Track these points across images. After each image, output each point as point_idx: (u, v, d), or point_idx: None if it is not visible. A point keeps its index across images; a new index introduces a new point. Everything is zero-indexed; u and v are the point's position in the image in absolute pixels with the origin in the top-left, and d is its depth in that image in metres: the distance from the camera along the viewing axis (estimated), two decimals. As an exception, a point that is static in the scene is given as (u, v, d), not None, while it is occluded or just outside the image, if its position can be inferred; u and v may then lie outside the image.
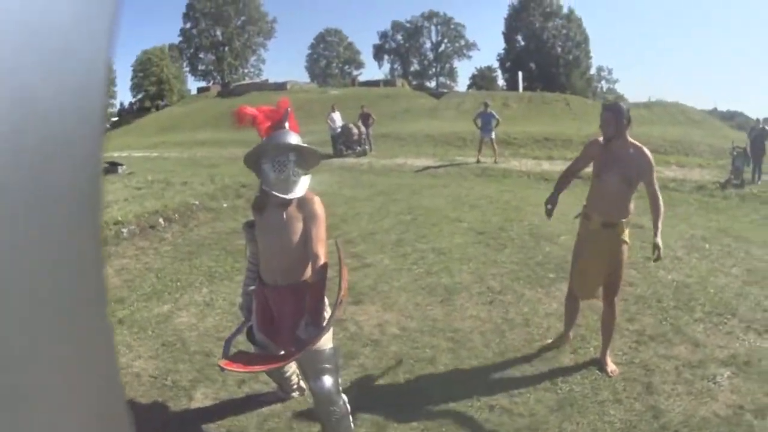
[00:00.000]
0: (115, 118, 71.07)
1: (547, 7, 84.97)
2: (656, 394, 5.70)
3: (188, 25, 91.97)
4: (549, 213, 6.87)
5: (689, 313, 7.54)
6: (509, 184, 18.35)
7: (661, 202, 6.07)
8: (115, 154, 30.11)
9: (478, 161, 22.83)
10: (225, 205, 14.57)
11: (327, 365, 4.58)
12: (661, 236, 5.94)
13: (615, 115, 6.20)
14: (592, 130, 28.80)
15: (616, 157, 6.14)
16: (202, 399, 5.92)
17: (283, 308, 4.64)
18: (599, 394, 5.77)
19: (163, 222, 12.53)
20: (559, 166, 19.96)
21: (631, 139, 6.23)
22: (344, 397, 4.78)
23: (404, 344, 6.98)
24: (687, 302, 7.87)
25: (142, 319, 7.87)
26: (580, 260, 6.50)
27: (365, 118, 27.04)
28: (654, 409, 5.47)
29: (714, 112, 56.23)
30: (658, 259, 6.04)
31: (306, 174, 4.56)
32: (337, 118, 26.65)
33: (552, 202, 6.83)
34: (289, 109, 4.69)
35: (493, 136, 22.71)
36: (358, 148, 26.26)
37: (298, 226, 4.48)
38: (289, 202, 4.48)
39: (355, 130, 26.25)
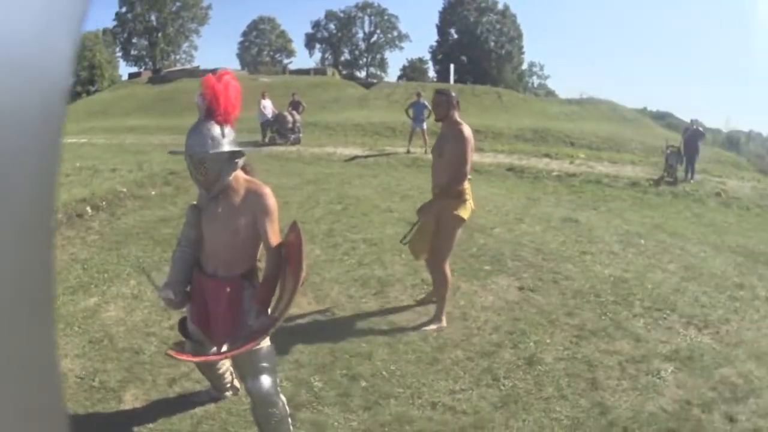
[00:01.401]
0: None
1: (483, 2, 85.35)
2: (601, 389, 5.71)
3: (124, 9, 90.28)
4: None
5: (628, 308, 7.60)
6: (440, 176, 18.16)
7: (460, 175, 6.82)
8: (44, 140, 29.47)
9: (408, 151, 22.92)
10: (153, 192, 14.31)
11: (265, 364, 4.42)
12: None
13: (447, 98, 7.02)
14: (524, 123, 29.16)
15: (442, 135, 7.10)
16: (132, 400, 5.68)
17: (220, 300, 4.48)
18: (543, 390, 5.72)
19: (90, 210, 12.22)
20: (489, 158, 20.36)
21: (457, 119, 7.00)
22: (283, 398, 4.64)
23: (339, 338, 6.84)
24: (626, 297, 7.94)
25: (68, 313, 7.58)
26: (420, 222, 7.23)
27: (296, 106, 26.89)
28: (600, 405, 5.46)
29: (645, 112, 57.01)
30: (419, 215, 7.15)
31: (223, 167, 4.31)
32: (269, 105, 26.40)
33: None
34: (198, 96, 4.31)
35: (425, 126, 22.67)
36: (292, 136, 26.01)
37: (246, 218, 4.36)
38: (229, 193, 4.37)
39: (290, 118, 25.98)
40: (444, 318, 7.16)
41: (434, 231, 7.04)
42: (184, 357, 4.58)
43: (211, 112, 4.23)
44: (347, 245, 10.21)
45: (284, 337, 6.62)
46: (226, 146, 4.25)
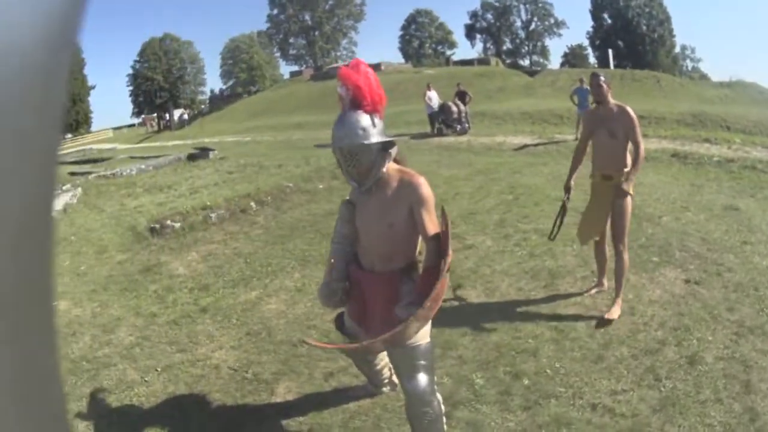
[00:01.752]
0: (204, 106, 72.37)
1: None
2: (754, 393, 5.27)
3: (275, 11, 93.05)
4: (566, 202, 7.60)
5: None
6: (608, 163, 17.51)
7: (642, 153, 6.75)
8: (206, 140, 30.32)
9: (576, 138, 21.25)
10: (320, 186, 14.22)
11: (422, 362, 4.14)
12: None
13: (605, 80, 7.05)
14: (683, 107, 28.07)
15: (602, 119, 6.96)
16: (284, 393, 5.58)
17: (377, 295, 4.27)
18: (701, 392, 5.32)
19: (254, 205, 12.26)
20: (654, 145, 19.72)
21: (614, 101, 7.02)
22: (439, 397, 4.35)
23: (506, 333, 6.51)
24: None
25: (227, 306, 7.56)
26: (586, 208, 7.38)
27: (462, 96, 26.46)
28: (751, 410, 5.04)
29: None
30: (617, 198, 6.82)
31: (376, 158, 4.12)
32: (434, 97, 26.31)
33: (567, 187, 7.54)
34: (341, 87, 4.13)
35: (591, 111, 21.68)
36: (458, 126, 25.67)
37: (401, 211, 4.11)
38: (381, 185, 4.18)
39: (455, 108, 25.62)
40: (620, 302, 6.95)
41: (611, 213, 6.95)
42: (319, 344, 4.52)
43: (357, 102, 4.06)
44: (519, 236, 9.79)
45: (450, 332, 6.49)
46: (378, 136, 4.07)
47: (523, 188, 13.29)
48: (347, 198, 4.52)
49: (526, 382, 5.57)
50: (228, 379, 5.85)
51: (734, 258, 8.35)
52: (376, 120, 4.06)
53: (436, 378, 4.37)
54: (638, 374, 5.65)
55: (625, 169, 6.81)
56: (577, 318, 6.86)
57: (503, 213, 11.21)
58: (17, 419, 0.61)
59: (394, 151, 4.18)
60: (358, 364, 5.11)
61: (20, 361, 0.62)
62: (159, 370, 6.13)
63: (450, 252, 3.77)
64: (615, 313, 6.72)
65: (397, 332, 3.69)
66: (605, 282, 7.43)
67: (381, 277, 4.25)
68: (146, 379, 5.97)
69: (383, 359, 5.08)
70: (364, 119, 4.01)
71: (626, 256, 6.97)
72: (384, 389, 5.35)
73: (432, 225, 4.05)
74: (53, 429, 0.70)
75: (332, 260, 4.47)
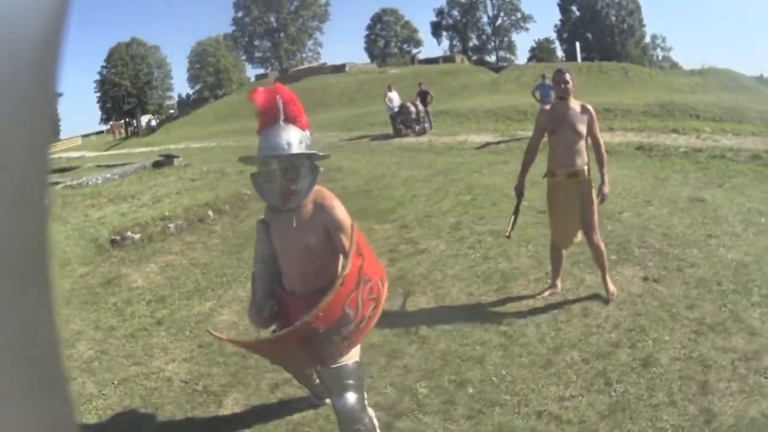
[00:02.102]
0: (172, 111, 72.05)
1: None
2: (711, 393, 5.25)
3: (240, 14, 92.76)
4: (518, 204, 7.72)
5: (747, 297, 6.97)
6: (570, 159, 17.62)
7: (603, 150, 7.04)
8: (172, 147, 30.33)
9: (537, 135, 21.98)
10: (278, 194, 14.07)
11: (350, 381, 4.21)
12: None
13: (570, 76, 7.03)
14: (650, 97, 28.19)
15: (565, 116, 6.92)
16: (232, 405, 5.71)
17: (300, 315, 4.11)
18: (654, 395, 5.31)
19: (212, 214, 12.33)
20: (618, 138, 19.91)
21: (573, 99, 7.04)
22: (371, 412, 4.44)
23: (453, 341, 6.55)
24: (745, 284, 7.29)
25: (181, 318, 7.69)
26: (555, 213, 7.25)
27: (423, 96, 26.64)
28: (707, 411, 5.03)
29: (761, 79, 54.43)
30: (602, 202, 7.08)
31: (309, 174, 4.16)
32: (395, 98, 26.36)
33: (520, 190, 7.55)
34: (279, 99, 4.16)
35: (553, 107, 21.76)
36: (417, 126, 25.82)
37: (317, 232, 4.15)
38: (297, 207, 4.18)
39: (413, 109, 25.77)
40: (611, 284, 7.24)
41: (581, 208, 6.99)
42: (223, 337, 4.64)
43: (292, 116, 4.15)
44: (473, 238, 9.86)
45: (397, 340, 6.59)
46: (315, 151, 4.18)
47: (481, 188, 13.44)
48: (262, 218, 4.56)
49: (470, 390, 5.60)
50: (179, 391, 5.97)
51: (698, 252, 8.35)
52: (308, 136, 4.18)
53: (378, 388, 4.51)
54: (588, 379, 5.66)
55: (585, 166, 6.94)
56: (527, 322, 6.86)
57: (459, 215, 11.32)
58: (19, 383, 0.64)
59: (321, 170, 4.21)
60: (298, 377, 5.20)
61: (21, 325, 0.64)
62: (116, 383, 6.27)
63: (349, 267, 3.78)
64: (612, 289, 7.14)
65: (276, 337, 4.05)
66: (559, 284, 7.48)
67: (302, 298, 4.25)
68: (103, 392, 6.12)
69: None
70: (302, 133, 4.10)
71: (602, 244, 7.13)
72: (327, 400, 5.34)
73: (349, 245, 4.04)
74: (55, 394, 0.71)
75: (255, 280, 4.54)
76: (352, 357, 4.22)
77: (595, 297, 7.32)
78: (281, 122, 4.08)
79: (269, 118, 4.13)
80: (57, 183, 18.64)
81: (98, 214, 13.09)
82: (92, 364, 6.72)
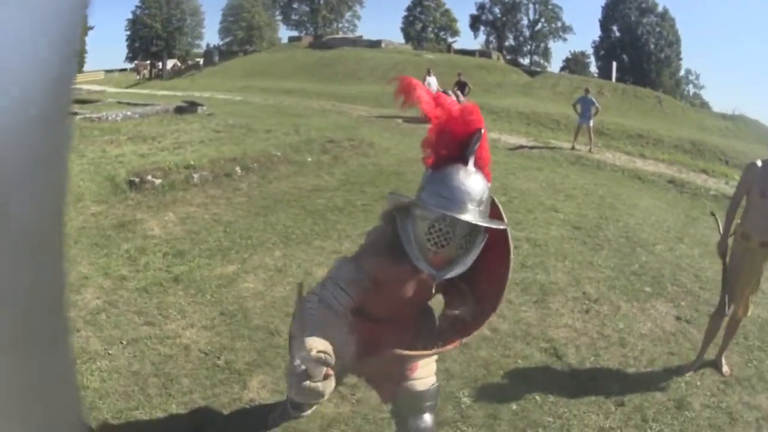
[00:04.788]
0: (199, 59, 71.95)
1: (643, 3, 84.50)
2: None
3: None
4: (724, 268, 6.42)
5: None
6: (603, 178, 17.46)
7: None
8: (196, 94, 29.88)
9: (573, 148, 21.87)
10: (309, 159, 13.74)
11: (430, 403, 3.84)
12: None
13: None
14: (682, 132, 27.93)
15: None
16: (258, 388, 5.21)
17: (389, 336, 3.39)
18: None
19: (239, 170, 11.84)
20: (651, 167, 19.92)
21: None
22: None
23: (495, 350, 6.27)
24: None
25: (201, 279, 7.17)
26: (741, 278, 6.20)
27: (462, 86, 26.29)
28: None
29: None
30: None
31: (480, 245, 3.07)
32: (433, 83, 25.92)
33: (724, 248, 6.35)
34: (483, 131, 2.99)
35: (591, 123, 21.73)
36: (453, 116, 25.15)
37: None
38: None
39: (453, 98, 24.95)
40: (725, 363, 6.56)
41: (759, 280, 6.30)
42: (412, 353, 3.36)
43: (481, 160, 3.07)
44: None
45: None
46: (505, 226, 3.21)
47: (517, 192, 12.98)
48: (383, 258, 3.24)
49: (514, 407, 5.37)
50: (198, 363, 5.46)
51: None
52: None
53: None
54: (626, 413, 5.49)
55: None
56: (567, 342, 6.65)
57: (497, 216, 10.77)
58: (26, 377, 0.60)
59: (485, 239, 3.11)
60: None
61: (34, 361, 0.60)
62: (124, 343, 5.73)
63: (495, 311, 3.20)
64: (726, 369, 6.42)
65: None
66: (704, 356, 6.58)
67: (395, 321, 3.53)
68: (110, 351, 5.57)
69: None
70: (488, 187, 3.04)
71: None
72: (304, 414, 4.81)
73: None
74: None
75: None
76: (433, 377, 3.89)
77: (630, 328, 7.15)
78: (471, 165, 2.99)
79: (451, 148, 3.04)
80: (76, 113, 18.15)
81: (116, 152, 12.60)
82: (98, 317, 6.17)
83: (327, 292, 3.18)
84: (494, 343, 6.36)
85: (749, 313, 6.40)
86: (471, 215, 2.87)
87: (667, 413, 5.54)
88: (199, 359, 5.52)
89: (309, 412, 4.80)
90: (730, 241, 6.30)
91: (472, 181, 2.92)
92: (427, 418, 3.83)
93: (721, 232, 6.37)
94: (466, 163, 2.96)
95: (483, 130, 2.97)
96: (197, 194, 10.48)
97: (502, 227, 3.07)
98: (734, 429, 5.41)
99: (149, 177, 10.53)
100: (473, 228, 2.96)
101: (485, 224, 2.94)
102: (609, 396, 5.70)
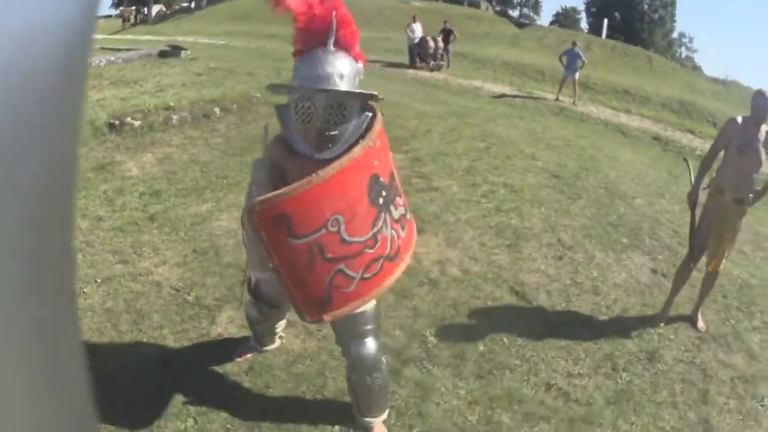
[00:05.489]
0: (186, 4, 71.07)
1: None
2: (710, 405, 5.29)
3: None
4: (693, 216, 6.66)
5: (749, 318, 6.96)
6: (586, 130, 17.58)
7: None
8: (180, 38, 29.70)
9: (557, 99, 21.99)
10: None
11: (370, 326, 3.88)
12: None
13: None
14: (671, 92, 27.93)
15: (755, 138, 6.12)
16: (226, 323, 5.34)
17: None
18: (657, 392, 5.33)
19: (218, 112, 11.80)
20: (636, 122, 20.20)
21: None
22: (384, 359, 4.12)
23: (464, 291, 6.36)
24: (748, 305, 7.25)
25: (176, 217, 7.24)
26: (716, 231, 6.39)
27: (447, 34, 26.30)
28: (706, 422, 5.08)
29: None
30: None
31: (355, 119, 3.43)
32: (418, 29, 25.99)
33: (695, 199, 6.55)
34: (334, 15, 3.39)
35: (577, 76, 21.85)
36: (432, 62, 25.55)
37: None
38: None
39: (432, 44, 25.49)
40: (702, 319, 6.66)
41: (731, 234, 6.43)
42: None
43: (343, 41, 3.43)
44: (486, 187, 9.50)
45: (407, 279, 6.18)
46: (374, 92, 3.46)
47: (496, 138, 12.97)
48: (261, 157, 3.84)
49: (481, 348, 5.47)
50: (169, 300, 5.56)
51: (705, 260, 8.19)
52: (362, 74, 3.49)
53: (386, 329, 4.28)
54: (596, 360, 5.60)
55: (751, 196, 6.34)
56: (538, 287, 6.74)
57: (473, 160, 10.89)
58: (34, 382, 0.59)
59: (369, 116, 3.50)
60: (256, 319, 4.57)
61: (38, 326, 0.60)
62: (99, 281, 5.82)
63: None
64: (702, 325, 6.51)
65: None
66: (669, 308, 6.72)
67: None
68: (84, 290, 5.66)
69: (283, 321, 4.87)
70: (357, 67, 3.43)
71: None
72: (267, 347, 5.00)
73: None
74: (74, 397, 0.67)
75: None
76: (371, 302, 3.77)
77: (603, 276, 7.25)
78: (331, 47, 3.38)
79: (314, 39, 3.40)
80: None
81: (98, 96, 12.50)
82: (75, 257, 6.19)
83: (253, 195, 3.53)
84: (464, 284, 6.43)
85: (720, 267, 6.47)
86: (325, 85, 3.22)
87: (638, 364, 5.63)
88: (170, 296, 5.60)
89: (272, 346, 4.93)
90: (705, 194, 6.42)
91: (330, 58, 3.31)
92: (369, 343, 3.86)
93: (693, 182, 6.48)
94: (324, 45, 3.37)
95: (335, 15, 3.37)
96: (175, 135, 10.47)
97: (345, 90, 3.31)
98: (708, 386, 5.48)
99: (129, 119, 10.50)
100: (335, 99, 3.27)
101: (332, 88, 3.27)
102: (579, 342, 5.78)
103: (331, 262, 3.28)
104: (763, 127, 6.07)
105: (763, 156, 6.06)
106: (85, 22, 0.58)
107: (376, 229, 3.36)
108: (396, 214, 3.51)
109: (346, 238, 3.27)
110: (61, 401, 0.64)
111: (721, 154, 6.29)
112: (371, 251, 3.36)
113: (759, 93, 6.23)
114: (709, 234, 6.32)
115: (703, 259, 6.53)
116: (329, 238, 3.24)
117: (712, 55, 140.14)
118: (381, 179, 3.37)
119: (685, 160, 7.00)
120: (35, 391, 0.59)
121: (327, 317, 3.46)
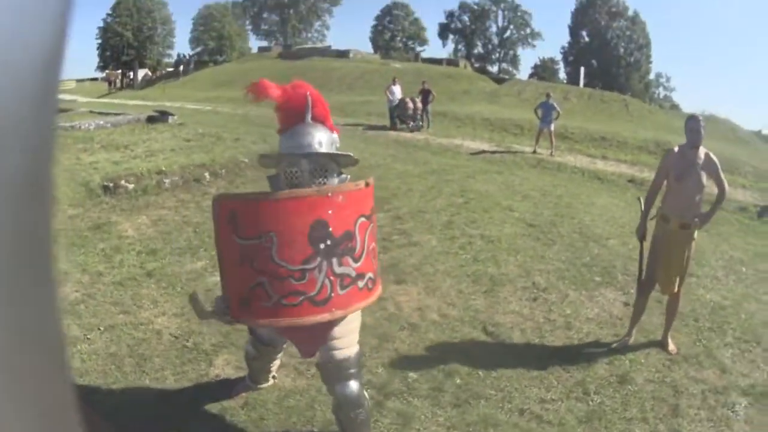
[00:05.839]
0: (171, 69, 71.48)
1: (614, 7, 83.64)
2: (681, 417, 5.56)
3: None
4: (641, 249, 7.03)
5: (721, 337, 7.33)
6: (563, 179, 17.97)
7: (726, 190, 6.70)
8: (167, 104, 30.07)
9: (534, 151, 22.35)
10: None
11: (353, 370, 4.26)
12: (705, 255, 6.77)
13: (702, 125, 6.56)
14: (648, 134, 28.34)
15: (693, 164, 6.49)
16: (222, 365, 5.74)
17: None
18: (628, 410, 5.60)
19: (208, 176, 12.27)
20: (612, 167, 20.25)
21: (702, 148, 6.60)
22: (366, 395, 4.51)
23: (442, 333, 6.82)
24: (720, 325, 7.63)
25: (172, 273, 7.65)
26: (661, 259, 6.73)
27: (425, 95, 26.60)
28: None
29: (759, 135, 54.43)
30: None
31: (335, 180, 4.01)
32: (397, 91, 26.27)
33: (642, 232, 6.95)
34: (308, 95, 4.05)
35: (552, 127, 22.21)
36: (411, 123, 25.83)
37: None
38: None
39: (411, 105, 25.78)
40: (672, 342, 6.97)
41: (685, 260, 6.74)
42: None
43: (318, 115, 4.09)
44: (464, 239, 9.95)
45: (388, 324, 6.74)
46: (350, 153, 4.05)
47: (475, 193, 13.42)
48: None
49: (458, 380, 5.80)
50: (169, 345, 5.97)
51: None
52: (338, 141, 4.13)
53: (370, 368, 4.57)
54: (568, 386, 5.91)
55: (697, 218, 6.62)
56: (513, 326, 7.11)
57: (452, 215, 11.35)
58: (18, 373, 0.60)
59: (347, 178, 4.09)
60: (253, 356, 5.04)
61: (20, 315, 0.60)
62: (102, 329, 6.23)
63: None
64: (672, 347, 6.81)
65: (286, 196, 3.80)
66: (634, 333, 7.06)
67: None
68: (89, 336, 6.07)
69: (277, 362, 5.26)
70: (331, 135, 4.03)
71: (681, 300, 6.98)
72: (263, 385, 5.41)
73: None
74: (55, 379, 0.68)
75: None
76: (354, 347, 4.28)
77: (576, 313, 7.59)
78: (309, 120, 3.98)
79: (293, 117, 4.03)
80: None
81: (90, 159, 12.88)
82: (78, 307, 6.66)
83: None
84: (442, 327, 6.86)
85: (680, 290, 6.78)
86: (308, 151, 3.83)
87: (609, 387, 5.94)
88: (170, 342, 6.01)
89: (266, 385, 5.37)
90: (652, 224, 6.79)
91: (309, 129, 3.93)
92: (353, 384, 4.22)
93: (641, 217, 6.86)
94: (303, 120, 3.93)
95: (309, 95, 4.02)
96: (168, 198, 10.90)
97: (326, 151, 3.93)
98: (679, 401, 5.77)
99: (123, 182, 10.95)
100: (318, 162, 3.86)
101: (313, 151, 3.87)
102: (551, 372, 6.13)
103: (257, 272, 3.71)
104: (702, 150, 6.49)
105: (704, 179, 6.45)
106: (63, 20, 0.60)
107: (306, 266, 3.68)
108: (338, 269, 3.78)
109: (275, 258, 3.66)
110: (43, 403, 0.64)
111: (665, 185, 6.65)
112: (295, 283, 3.69)
113: (691, 117, 6.67)
114: (657, 262, 6.67)
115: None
116: (261, 250, 3.67)
117: (689, 90, 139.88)
118: (330, 229, 3.71)
119: (638, 199, 7.25)
120: (15, 392, 0.59)
121: (249, 321, 4.15)
